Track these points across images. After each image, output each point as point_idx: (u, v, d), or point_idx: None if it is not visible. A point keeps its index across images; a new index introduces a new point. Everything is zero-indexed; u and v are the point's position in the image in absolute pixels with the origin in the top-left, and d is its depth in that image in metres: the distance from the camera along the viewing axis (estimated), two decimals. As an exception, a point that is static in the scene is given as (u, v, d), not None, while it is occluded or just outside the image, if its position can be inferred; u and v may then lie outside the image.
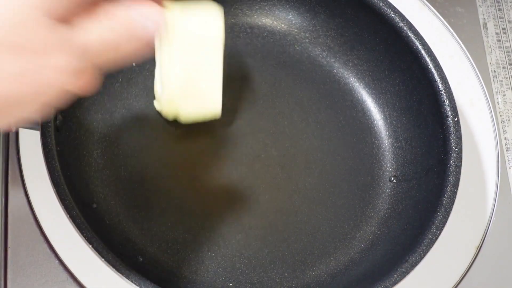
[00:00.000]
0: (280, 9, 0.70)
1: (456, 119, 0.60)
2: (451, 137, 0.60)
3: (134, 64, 0.66)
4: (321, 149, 0.66)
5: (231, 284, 0.60)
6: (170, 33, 0.55)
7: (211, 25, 0.56)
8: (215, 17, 0.56)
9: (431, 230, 0.56)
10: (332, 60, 0.69)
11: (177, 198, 0.62)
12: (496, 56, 0.74)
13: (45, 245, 0.60)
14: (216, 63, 0.58)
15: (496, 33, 0.75)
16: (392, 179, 0.65)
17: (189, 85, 0.58)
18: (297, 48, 0.69)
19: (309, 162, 0.65)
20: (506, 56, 0.74)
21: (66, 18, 0.37)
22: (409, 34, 0.62)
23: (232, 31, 0.69)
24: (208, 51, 0.57)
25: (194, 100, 0.59)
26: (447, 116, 0.60)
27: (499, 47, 0.74)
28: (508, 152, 0.69)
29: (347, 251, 0.62)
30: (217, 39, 0.57)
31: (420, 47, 0.62)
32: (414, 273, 0.55)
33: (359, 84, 0.69)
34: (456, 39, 0.74)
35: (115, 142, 0.63)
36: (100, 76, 0.39)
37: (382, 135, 0.67)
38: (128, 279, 0.52)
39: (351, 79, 0.69)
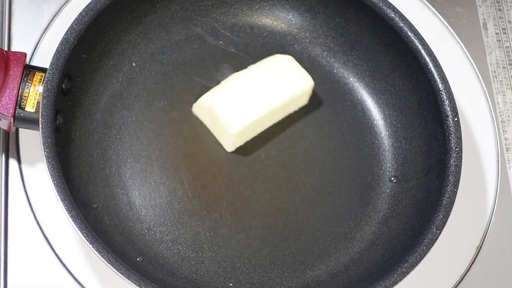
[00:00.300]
0: (280, 9, 0.70)
1: (456, 119, 0.60)
2: (451, 137, 0.60)
3: (134, 64, 0.66)
4: (321, 149, 0.66)
5: (231, 284, 0.60)
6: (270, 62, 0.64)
7: (298, 82, 0.64)
8: (304, 82, 0.64)
9: (431, 230, 0.56)
10: (332, 60, 0.69)
11: (177, 198, 0.62)
12: (496, 56, 0.74)
13: (45, 245, 0.60)
14: (274, 104, 0.63)
15: (496, 33, 0.75)
16: (392, 179, 0.65)
17: (240, 95, 0.63)
18: (297, 48, 0.69)
19: (309, 162, 0.65)
20: (506, 56, 0.74)
21: None
22: (409, 34, 0.62)
23: (232, 31, 0.69)
24: (278, 94, 0.63)
25: (227, 104, 0.62)
26: (447, 116, 0.60)
27: (499, 47, 0.74)
28: (508, 152, 0.69)
29: (347, 251, 0.62)
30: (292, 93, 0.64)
31: (420, 47, 0.62)
32: (414, 273, 0.55)
33: (359, 84, 0.69)
34: (456, 39, 0.74)
35: (115, 142, 0.63)
36: None
37: (382, 135, 0.67)
38: (128, 279, 0.52)
39: (351, 79, 0.69)
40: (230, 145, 0.64)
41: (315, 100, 0.67)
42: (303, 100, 0.66)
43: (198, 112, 0.65)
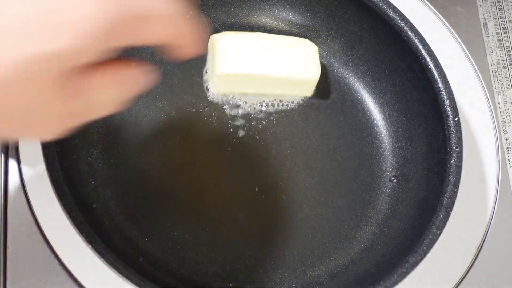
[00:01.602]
0: (280, 9, 0.69)
1: (456, 119, 0.60)
2: (452, 137, 0.60)
3: (133, 63, 0.66)
4: (321, 149, 0.66)
5: (231, 285, 0.60)
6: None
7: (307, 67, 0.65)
8: (313, 70, 0.64)
9: (432, 230, 0.56)
10: (332, 60, 0.69)
11: (177, 198, 0.62)
12: (497, 56, 0.74)
13: (45, 245, 0.60)
14: (271, 74, 0.64)
15: (497, 33, 0.75)
16: (393, 179, 0.65)
17: (243, 44, 0.64)
18: (297, 48, 0.69)
19: (309, 162, 0.65)
20: (506, 56, 0.74)
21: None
22: (409, 33, 0.62)
23: (232, 31, 0.69)
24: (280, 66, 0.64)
25: (230, 48, 0.63)
26: (448, 116, 0.60)
27: (500, 47, 0.74)
28: (509, 152, 0.69)
29: (347, 251, 0.62)
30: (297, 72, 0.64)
31: (420, 46, 0.62)
32: (415, 274, 0.55)
33: (359, 84, 0.69)
34: (456, 39, 0.73)
35: (115, 142, 0.63)
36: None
37: (383, 135, 0.67)
38: (128, 279, 0.52)
39: (351, 79, 0.69)
40: (213, 85, 0.65)
41: (315, 100, 0.67)
42: (304, 90, 0.66)
43: (209, 46, 0.66)
